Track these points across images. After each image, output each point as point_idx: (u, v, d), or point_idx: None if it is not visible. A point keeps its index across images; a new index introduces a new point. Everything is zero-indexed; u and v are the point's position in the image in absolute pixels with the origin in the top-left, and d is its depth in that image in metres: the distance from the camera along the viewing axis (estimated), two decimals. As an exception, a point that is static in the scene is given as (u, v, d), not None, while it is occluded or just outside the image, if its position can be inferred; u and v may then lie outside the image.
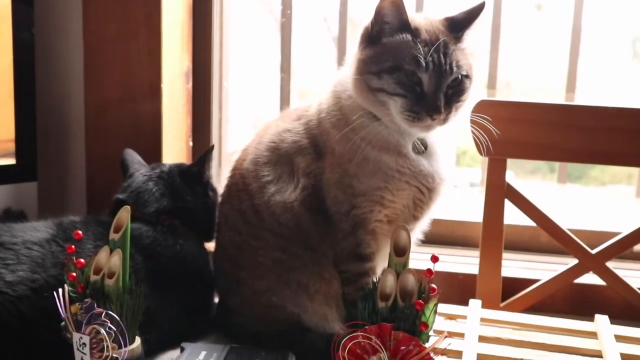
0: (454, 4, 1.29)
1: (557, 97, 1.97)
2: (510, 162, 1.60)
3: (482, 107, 1.31)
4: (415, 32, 1.20)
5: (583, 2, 1.84)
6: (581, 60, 1.88)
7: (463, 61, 1.22)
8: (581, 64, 1.88)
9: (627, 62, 2.06)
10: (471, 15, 1.25)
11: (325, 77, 2.14)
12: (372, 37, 1.23)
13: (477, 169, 2.10)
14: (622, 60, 2.04)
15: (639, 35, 2.05)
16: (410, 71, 1.18)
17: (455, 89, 1.21)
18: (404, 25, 1.20)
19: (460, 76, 1.21)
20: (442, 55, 1.19)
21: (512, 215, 1.66)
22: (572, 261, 1.62)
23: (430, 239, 1.46)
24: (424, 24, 1.23)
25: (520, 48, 2.00)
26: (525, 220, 1.67)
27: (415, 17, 1.24)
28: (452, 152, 1.36)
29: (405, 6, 1.20)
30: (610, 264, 1.60)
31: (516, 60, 2.00)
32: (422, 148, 1.29)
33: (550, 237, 1.64)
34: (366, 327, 1.00)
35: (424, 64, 1.18)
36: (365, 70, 1.21)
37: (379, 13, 1.21)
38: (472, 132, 1.31)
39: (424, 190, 1.28)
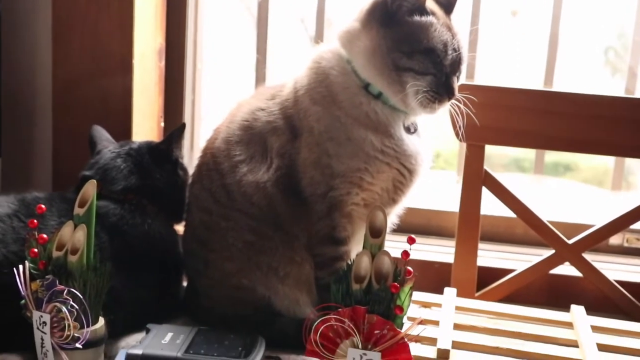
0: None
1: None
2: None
3: (462, 90, 1.28)
4: (434, 14, 1.22)
5: (561, 8, 1.84)
6: (556, 68, 1.88)
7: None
8: (556, 72, 1.88)
9: (599, 70, 2.07)
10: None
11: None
12: (391, 14, 1.20)
13: (451, 171, 2.08)
14: (594, 68, 2.05)
15: (611, 44, 2.06)
16: (440, 54, 1.20)
17: (460, 73, 1.25)
18: (421, 5, 1.21)
19: None
20: (459, 41, 1.23)
21: (488, 207, 1.64)
22: (548, 253, 1.60)
23: (405, 228, 1.43)
24: (434, 6, 1.24)
25: (496, 54, 2.00)
26: (501, 211, 1.66)
27: None
28: (431, 133, 1.35)
29: None
30: (586, 257, 1.59)
31: (492, 67, 2.00)
32: (415, 129, 1.28)
33: (526, 229, 1.64)
34: (339, 309, 0.97)
35: (450, 49, 1.21)
36: (395, 49, 1.19)
37: None
38: (451, 115, 1.28)
39: (404, 172, 1.26)
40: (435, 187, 2.10)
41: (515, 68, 2.03)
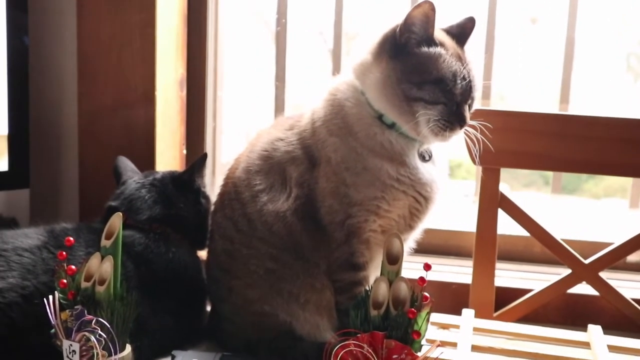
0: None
1: (551, 109, 1.97)
2: (504, 175, 1.60)
3: (477, 116, 1.31)
4: (442, 45, 1.24)
5: (576, 15, 1.84)
6: (575, 74, 1.88)
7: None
8: (575, 78, 1.88)
9: (620, 76, 2.07)
10: (466, 30, 1.32)
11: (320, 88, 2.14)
12: (400, 46, 1.23)
13: (472, 181, 2.10)
14: (616, 74, 2.05)
15: (633, 50, 2.06)
16: (450, 83, 1.22)
17: (473, 101, 1.27)
18: (430, 37, 1.23)
19: None
20: (470, 70, 1.25)
21: (505, 226, 1.66)
22: (566, 271, 1.61)
23: (423, 249, 1.46)
24: (443, 37, 1.26)
25: (514, 61, 2.01)
26: (519, 231, 1.67)
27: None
28: (446, 161, 1.37)
29: (435, 19, 1.23)
30: (603, 275, 1.60)
31: (510, 74, 2.01)
32: (429, 156, 1.30)
33: (543, 248, 1.64)
34: (358, 335, 0.99)
35: (460, 78, 1.23)
36: (405, 80, 1.22)
37: (408, 22, 1.22)
38: (466, 141, 1.30)
39: (420, 199, 1.28)
40: (456, 197, 2.13)
41: (533, 78, 2.04)
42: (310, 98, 1.39)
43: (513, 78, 2.05)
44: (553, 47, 1.92)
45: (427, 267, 1.03)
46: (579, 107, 1.91)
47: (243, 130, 2.21)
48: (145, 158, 1.75)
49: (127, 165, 1.54)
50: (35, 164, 1.79)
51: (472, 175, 2.12)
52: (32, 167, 1.76)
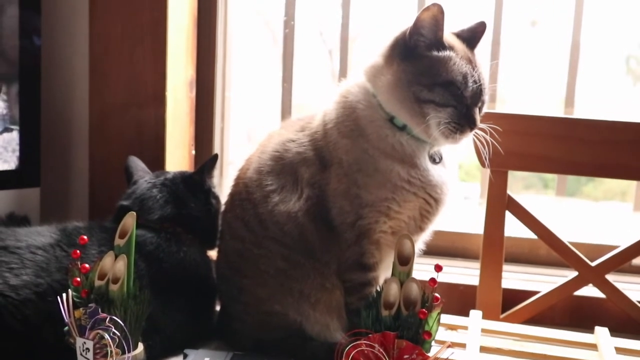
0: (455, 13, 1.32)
1: (555, 113, 1.98)
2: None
3: (486, 119, 1.32)
4: (452, 48, 1.25)
5: (582, 18, 1.86)
6: (579, 78, 1.90)
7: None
8: (579, 82, 1.90)
9: (620, 78, 2.08)
10: (476, 34, 1.33)
11: (323, 89, 2.15)
12: (410, 49, 1.25)
13: (472, 183, 2.11)
14: (616, 77, 2.06)
15: (632, 52, 2.07)
16: (460, 86, 1.23)
17: (483, 104, 1.29)
18: (439, 40, 1.24)
19: None
20: (481, 74, 1.27)
21: (512, 228, 1.67)
22: (572, 274, 1.62)
23: (430, 251, 1.46)
24: (453, 41, 1.28)
25: (517, 65, 2.02)
26: (525, 233, 1.68)
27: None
28: (456, 163, 1.38)
29: (444, 22, 1.24)
30: (610, 277, 1.61)
31: (513, 78, 2.02)
32: (439, 158, 1.31)
33: (549, 250, 1.66)
34: (369, 335, 1.00)
35: (471, 81, 1.24)
36: (415, 82, 1.23)
37: (417, 25, 1.23)
38: (475, 144, 1.32)
39: (430, 201, 1.29)
40: (458, 199, 2.13)
41: (536, 80, 2.05)
42: (316, 99, 1.39)
43: (515, 82, 2.06)
44: (555, 51, 1.93)
45: (438, 268, 1.05)
46: (583, 110, 1.91)
47: (250, 132, 2.22)
48: (155, 158, 1.76)
49: (138, 165, 1.55)
50: (46, 163, 1.80)
51: (472, 177, 2.13)
52: (43, 166, 1.77)
